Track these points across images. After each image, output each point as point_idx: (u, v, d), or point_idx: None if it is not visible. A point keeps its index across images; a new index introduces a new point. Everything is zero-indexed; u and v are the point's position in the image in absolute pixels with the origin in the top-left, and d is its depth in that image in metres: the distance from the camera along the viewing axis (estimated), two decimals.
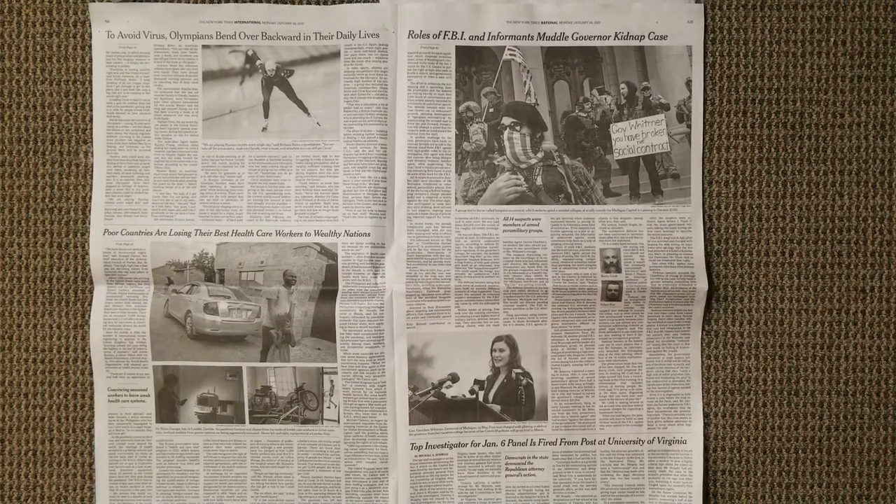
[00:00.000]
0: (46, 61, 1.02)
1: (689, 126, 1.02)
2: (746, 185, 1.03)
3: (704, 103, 1.02)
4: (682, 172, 1.02)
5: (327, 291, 1.01)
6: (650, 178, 1.02)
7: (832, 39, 1.03)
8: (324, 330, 1.01)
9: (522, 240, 1.01)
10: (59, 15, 1.01)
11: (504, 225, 1.01)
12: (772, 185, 1.03)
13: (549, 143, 1.02)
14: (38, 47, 1.01)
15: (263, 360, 1.01)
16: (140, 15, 1.01)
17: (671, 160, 1.02)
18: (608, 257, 1.01)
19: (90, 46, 1.01)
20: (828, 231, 1.03)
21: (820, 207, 1.03)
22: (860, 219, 1.03)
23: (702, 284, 1.01)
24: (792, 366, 1.03)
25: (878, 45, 1.03)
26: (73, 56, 1.01)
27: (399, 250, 1.00)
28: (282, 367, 1.01)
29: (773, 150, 1.03)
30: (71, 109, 1.02)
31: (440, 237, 1.01)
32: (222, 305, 1.01)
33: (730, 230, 1.03)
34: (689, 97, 1.02)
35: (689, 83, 1.02)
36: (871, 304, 1.03)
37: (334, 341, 1.01)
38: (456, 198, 1.01)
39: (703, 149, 1.02)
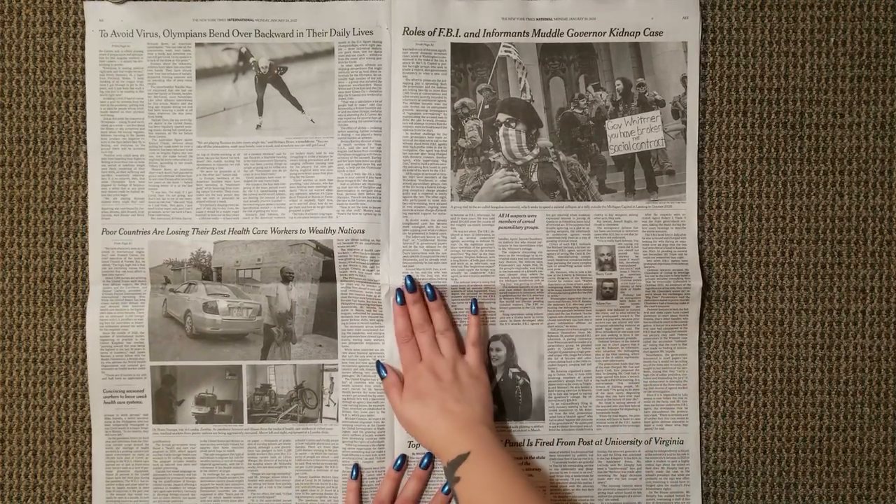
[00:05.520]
0: (46, 61, 1.02)
1: (684, 122, 1.01)
2: (746, 185, 1.02)
3: (704, 103, 1.02)
4: (678, 169, 1.01)
5: (326, 288, 1.01)
6: (645, 174, 1.01)
7: (832, 39, 1.03)
8: (325, 326, 1.01)
9: (518, 236, 1.01)
10: (59, 15, 1.02)
11: (500, 221, 1.01)
12: (772, 185, 1.03)
13: (544, 140, 1.01)
14: (38, 47, 1.02)
15: (264, 358, 1.01)
16: (133, 13, 1.01)
17: (666, 157, 1.01)
18: (603, 255, 1.00)
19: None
20: (828, 231, 1.03)
21: (820, 207, 1.03)
22: (860, 219, 1.03)
23: (696, 282, 1.00)
24: (792, 366, 1.03)
25: (878, 45, 1.03)
26: (73, 56, 1.02)
27: (395, 247, 1.00)
28: (282, 364, 1.01)
29: (773, 150, 1.03)
30: (70, 109, 1.02)
31: (436, 234, 1.00)
32: (222, 304, 1.01)
33: (729, 230, 1.02)
34: (685, 93, 1.01)
35: (684, 79, 1.01)
36: (871, 304, 1.03)
37: (336, 337, 1.01)
38: (451, 194, 1.01)
39: (703, 149, 1.02)
